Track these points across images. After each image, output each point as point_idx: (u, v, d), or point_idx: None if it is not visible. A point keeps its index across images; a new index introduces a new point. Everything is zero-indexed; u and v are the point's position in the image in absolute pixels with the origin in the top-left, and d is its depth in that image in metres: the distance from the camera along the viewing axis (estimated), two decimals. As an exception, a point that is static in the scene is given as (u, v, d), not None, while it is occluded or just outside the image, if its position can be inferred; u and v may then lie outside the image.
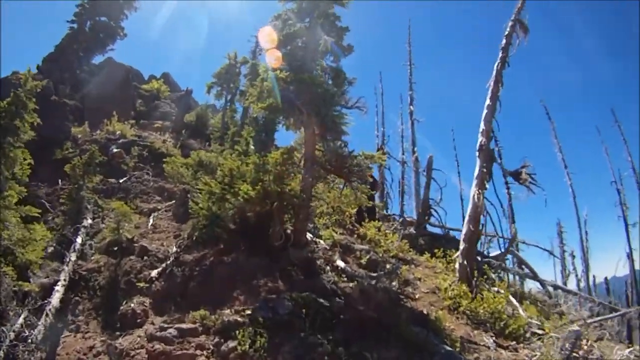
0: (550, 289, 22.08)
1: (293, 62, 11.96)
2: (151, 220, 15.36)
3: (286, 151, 12.12)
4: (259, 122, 16.91)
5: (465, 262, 13.24)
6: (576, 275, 33.48)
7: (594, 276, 34.00)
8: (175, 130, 25.66)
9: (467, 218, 13.73)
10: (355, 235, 15.93)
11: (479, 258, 15.01)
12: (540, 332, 11.20)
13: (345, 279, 11.82)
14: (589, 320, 14.94)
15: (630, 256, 30.24)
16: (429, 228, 21.92)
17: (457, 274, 13.41)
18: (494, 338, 10.69)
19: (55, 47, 26.79)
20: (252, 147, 14.58)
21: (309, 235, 13.03)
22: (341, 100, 12.03)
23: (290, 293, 9.93)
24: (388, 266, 13.29)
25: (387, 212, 27.18)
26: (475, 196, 13.36)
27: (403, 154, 31.61)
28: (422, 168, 26.53)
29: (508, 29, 14.72)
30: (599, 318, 16.96)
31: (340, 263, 12.48)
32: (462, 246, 13.63)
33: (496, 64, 14.57)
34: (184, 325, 9.17)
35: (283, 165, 11.89)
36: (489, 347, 10.20)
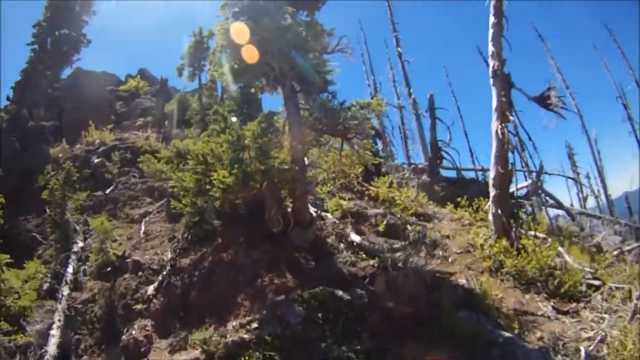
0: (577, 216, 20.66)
1: (255, 15, 9.82)
2: (143, 227, 13.67)
3: (264, 118, 9.75)
4: (238, 94, 14.38)
5: (499, 211, 10.75)
6: (595, 197, 32.33)
7: (610, 195, 32.54)
8: (157, 124, 23.46)
9: (492, 159, 11.16)
10: (367, 198, 13.44)
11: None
12: (596, 282, 9.37)
13: (364, 255, 9.57)
14: (625, 248, 14.68)
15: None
16: (442, 172, 19.67)
17: (492, 226, 10.98)
18: (551, 303, 8.69)
19: (21, 73, 25.22)
20: (234, 122, 12.44)
21: (312, 210, 10.70)
22: (318, 45, 9.55)
23: (301, 291, 8.02)
24: (410, 230, 11.11)
25: (394, 161, 24.96)
26: (499, 131, 10.78)
27: (399, 98, 30.16)
28: (422, 110, 24.68)
29: None
30: (636, 245, 15.96)
31: (355, 237, 10.16)
32: (492, 192, 11.09)
33: None
34: (185, 357, 7.82)
35: (264, 136, 9.85)
36: (549, 317, 8.33)
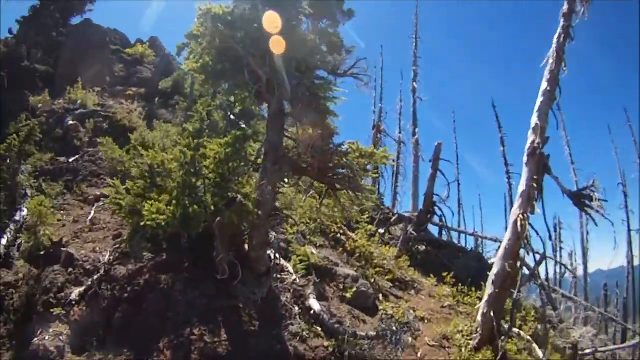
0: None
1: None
2: (92, 213, 11.38)
3: (235, 139, 7.32)
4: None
5: (491, 314, 8.51)
6: (573, 277, 30.87)
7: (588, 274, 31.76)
8: (149, 98, 21.06)
9: (502, 251, 8.84)
10: (341, 249, 11.12)
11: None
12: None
13: (320, 330, 7.49)
14: (600, 349, 14.12)
15: (631, 262, 28.80)
16: (431, 228, 17.86)
17: (479, 329, 8.74)
18: None
19: (30, 9, 23.19)
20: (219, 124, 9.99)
21: (273, 255, 8.36)
22: (327, 62, 7.32)
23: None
24: (382, 310, 9.08)
25: (379, 194, 23.67)
26: (519, 222, 8.42)
27: (400, 132, 28.53)
28: (422, 153, 24.29)
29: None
30: (612, 348, 16.15)
31: (315, 304, 7.86)
32: (489, 290, 8.84)
33: (557, 35, 9.33)
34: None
35: (229, 162, 7.55)
36: None
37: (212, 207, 7.38)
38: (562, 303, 21.83)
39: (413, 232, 15.13)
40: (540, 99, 9.17)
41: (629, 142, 31.24)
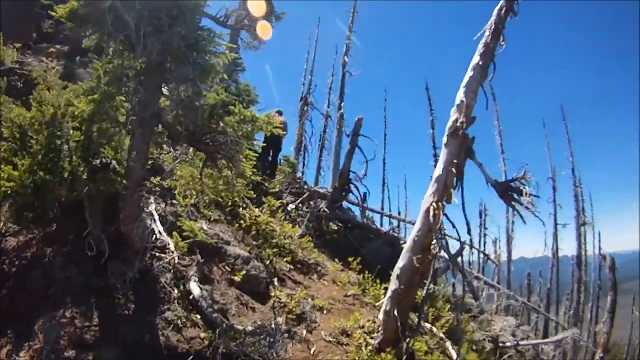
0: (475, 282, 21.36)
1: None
2: None
3: (102, 95, 6.32)
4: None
5: (395, 313, 7.59)
6: (496, 265, 32.77)
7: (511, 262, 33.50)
8: (71, 56, 19.39)
9: (410, 243, 7.83)
10: (238, 225, 10.03)
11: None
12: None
13: (199, 318, 6.68)
14: (522, 342, 14.32)
15: (556, 255, 31.40)
16: (346, 206, 17.62)
17: (382, 328, 7.90)
18: None
19: None
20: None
21: (158, 230, 7.52)
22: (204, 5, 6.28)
23: (95, 355, 5.64)
24: (273, 296, 8.21)
25: (302, 167, 24.22)
26: (431, 211, 7.41)
27: (329, 106, 28.79)
28: (346, 128, 24.09)
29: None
30: (533, 342, 16.23)
31: (195, 289, 6.94)
32: (393, 285, 7.84)
33: (498, 7, 8.36)
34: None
35: (99, 121, 6.55)
36: None
37: (84, 175, 6.39)
38: (484, 290, 22.47)
39: (326, 210, 14.44)
40: (469, 74, 8.14)
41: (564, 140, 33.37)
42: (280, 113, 16.47)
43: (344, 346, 7.85)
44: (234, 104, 6.53)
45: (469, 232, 8.68)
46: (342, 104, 26.09)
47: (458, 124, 7.81)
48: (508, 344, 13.98)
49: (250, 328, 6.56)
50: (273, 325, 6.83)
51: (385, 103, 35.40)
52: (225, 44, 6.67)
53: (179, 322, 6.50)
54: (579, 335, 24.27)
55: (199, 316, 6.73)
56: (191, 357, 6.03)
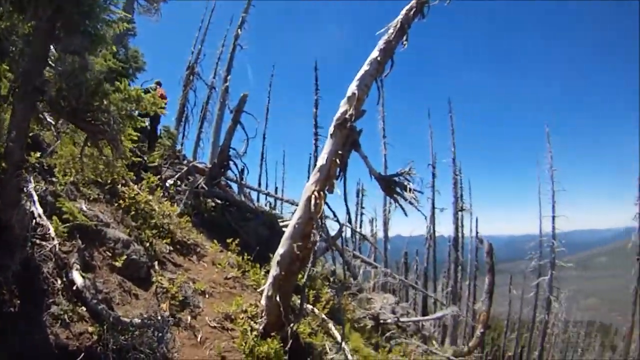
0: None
1: None
2: None
3: None
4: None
5: (277, 298, 7.94)
6: (372, 245, 33.84)
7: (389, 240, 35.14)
8: None
9: (290, 229, 8.23)
10: (117, 205, 9.67)
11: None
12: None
13: (86, 313, 6.31)
14: (403, 319, 15.11)
15: (433, 237, 33.74)
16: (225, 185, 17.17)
17: (265, 314, 8.25)
18: None
19: None
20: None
21: (38, 213, 6.93)
22: None
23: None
24: (155, 280, 8.08)
25: (182, 138, 24.40)
26: (313, 199, 7.79)
27: (214, 77, 28.58)
28: (230, 102, 24.08)
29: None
30: (415, 319, 17.16)
31: (78, 279, 6.55)
32: (274, 272, 8.21)
33: (407, 7, 8.60)
34: None
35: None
36: None
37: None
38: (361, 268, 23.72)
39: (204, 187, 14.48)
40: (365, 68, 8.56)
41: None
42: (159, 84, 16.48)
43: (229, 332, 8.12)
44: (120, 77, 6.35)
45: (349, 221, 9.10)
46: (229, 77, 26.14)
47: (347, 116, 8.24)
48: (389, 321, 14.67)
49: (137, 320, 6.54)
50: (160, 317, 6.89)
51: (271, 78, 36.31)
52: (119, 12, 6.47)
53: (65, 316, 6.15)
54: (458, 311, 26.24)
55: (84, 308, 6.43)
56: (82, 354, 5.75)
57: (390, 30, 8.57)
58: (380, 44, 8.54)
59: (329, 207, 8.27)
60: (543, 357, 35.52)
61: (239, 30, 27.20)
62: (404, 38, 8.56)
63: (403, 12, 8.62)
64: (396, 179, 8.46)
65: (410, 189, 8.19)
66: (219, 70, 28.39)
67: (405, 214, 8.51)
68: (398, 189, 8.40)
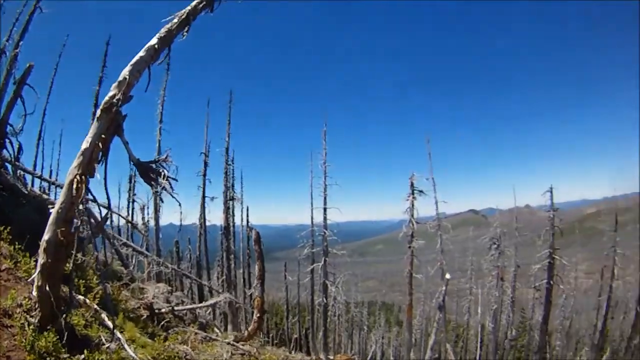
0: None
1: None
2: None
3: None
4: None
5: (47, 288, 7.46)
6: (143, 235, 33.12)
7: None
8: None
9: (54, 215, 7.61)
10: None
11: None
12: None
13: None
14: (177, 308, 15.26)
15: (204, 225, 33.51)
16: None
17: (38, 306, 7.64)
18: None
19: None
20: None
21: None
22: None
23: None
24: None
25: None
26: (75, 183, 7.38)
27: (8, 41, 25.21)
28: (16, 71, 21.36)
29: None
30: (188, 307, 17.18)
31: None
32: (41, 260, 7.57)
33: (197, 1, 9.02)
34: None
35: None
36: None
37: None
38: (134, 257, 23.68)
39: None
40: (141, 54, 8.33)
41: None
42: None
43: (9, 328, 7.48)
44: None
45: (108, 208, 8.90)
46: (21, 42, 22.66)
47: (114, 100, 8.05)
48: (163, 310, 14.53)
49: None
50: None
51: (63, 48, 31.07)
52: None
53: None
54: (232, 297, 26.89)
55: None
56: None
57: (175, 20, 8.63)
58: (162, 31, 8.52)
59: (90, 192, 8.04)
60: (328, 336, 37.84)
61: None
62: (186, 29, 8.66)
63: (193, 3, 8.71)
64: (153, 165, 8.51)
65: (165, 176, 8.36)
66: (13, 34, 24.48)
67: (161, 200, 8.76)
68: (153, 175, 8.49)
